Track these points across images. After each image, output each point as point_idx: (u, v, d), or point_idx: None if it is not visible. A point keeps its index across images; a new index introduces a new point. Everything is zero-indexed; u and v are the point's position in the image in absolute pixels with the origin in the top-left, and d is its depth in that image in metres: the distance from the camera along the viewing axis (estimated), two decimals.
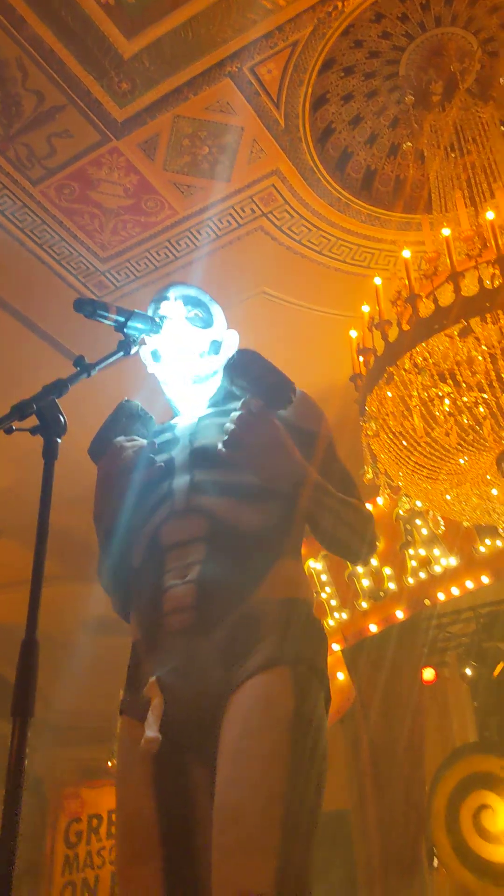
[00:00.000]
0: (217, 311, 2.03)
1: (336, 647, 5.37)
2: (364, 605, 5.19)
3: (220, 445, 1.63)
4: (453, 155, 3.80)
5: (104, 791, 6.65)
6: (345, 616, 5.26)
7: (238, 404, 1.71)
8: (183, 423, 1.89)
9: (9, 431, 1.19)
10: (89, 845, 6.52)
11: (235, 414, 1.63)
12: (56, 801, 6.86)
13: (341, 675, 5.67)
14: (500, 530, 3.49)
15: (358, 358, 3.14)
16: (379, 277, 3.13)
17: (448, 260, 2.90)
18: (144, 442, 1.77)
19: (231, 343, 2.01)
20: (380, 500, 4.87)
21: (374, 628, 5.28)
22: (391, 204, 4.40)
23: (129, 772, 1.52)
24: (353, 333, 3.27)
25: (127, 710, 1.61)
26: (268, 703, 1.39)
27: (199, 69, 3.63)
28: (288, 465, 1.62)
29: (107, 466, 1.75)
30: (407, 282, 2.99)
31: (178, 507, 1.66)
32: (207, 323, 1.96)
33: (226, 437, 1.62)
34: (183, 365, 1.90)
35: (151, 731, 1.42)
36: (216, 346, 1.94)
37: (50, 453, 1.26)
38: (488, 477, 3.17)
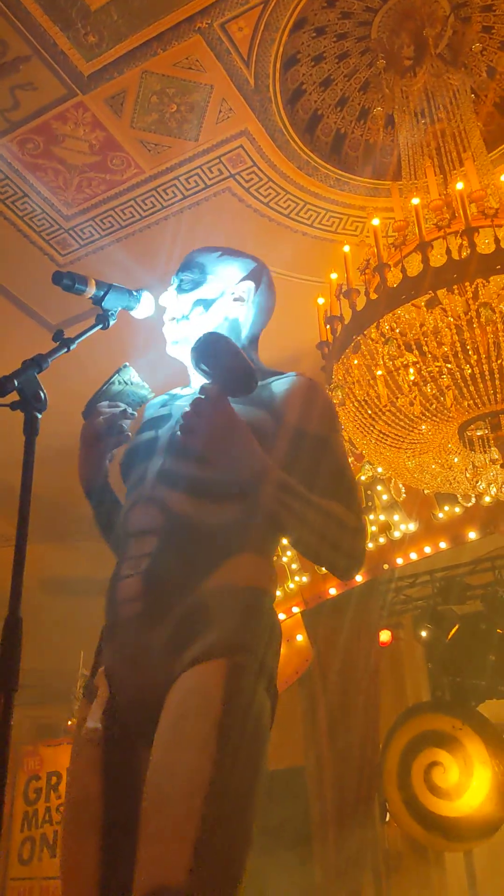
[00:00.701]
0: (219, 267, 1.95)
1: (296, 609, 5.45)
2: (324, 569, 5.25)
3: (177, 431, 1.61)
4: (423, 121, 3.78)
5: (63, 749, 6.70)
6: (305, 579, 5.32)
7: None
8: (182, 400, 1.86)
9: None
10: (48, 802, 6.59)
11: (193, 399, 1.60)
12: (15, 759, 6.91)
13: (300, 637, 5.76)
14: (460, 498, 3.55)
15: (325, 325, 3.14)
16: (347, 245, 3.11)
17: (417, 229, 2.90)
18: (121, 408, 1.76)
19: (249, 292, 1.93)
20: None
21: (333, 592, 5.36)
22: (360, 169, 4.38)
23: (80, 751, 1.56)
24: (321, 301, 3.26)
25: (86, 693, 1.65)
26: (198, 694, 1.40)
27: (169, 24, 3.55)
28: (243, 457, 1.55)
29: (82, 431, 1.77)
30: (376, 250, 2.99)
31: (144, 494, 1.66)
32: (196, 285, 1.91)
33: (180, 425, 1.58)
34: (170, 329, 1.90)
35: (92, 721, 1.49)
36: (203, 303, 1.89)
37: (31, 429, 1.26)
38: (450, 446, 3.21)
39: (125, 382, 1.80)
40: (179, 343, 1.89)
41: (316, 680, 5.88)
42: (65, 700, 6.55)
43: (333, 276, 3.19)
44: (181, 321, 1.89)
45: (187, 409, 1.58)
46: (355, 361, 3.04)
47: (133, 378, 1.82)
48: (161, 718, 1.42)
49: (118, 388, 1.79)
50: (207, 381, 1.60)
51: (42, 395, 1.32)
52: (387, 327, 2.88)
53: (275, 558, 1.74)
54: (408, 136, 3.78)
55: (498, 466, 2.97)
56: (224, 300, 1.91)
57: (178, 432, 1.58)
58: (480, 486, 3.11)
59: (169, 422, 1.78)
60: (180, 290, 1.92)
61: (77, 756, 1.55)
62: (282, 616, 5.32)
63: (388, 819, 6.65)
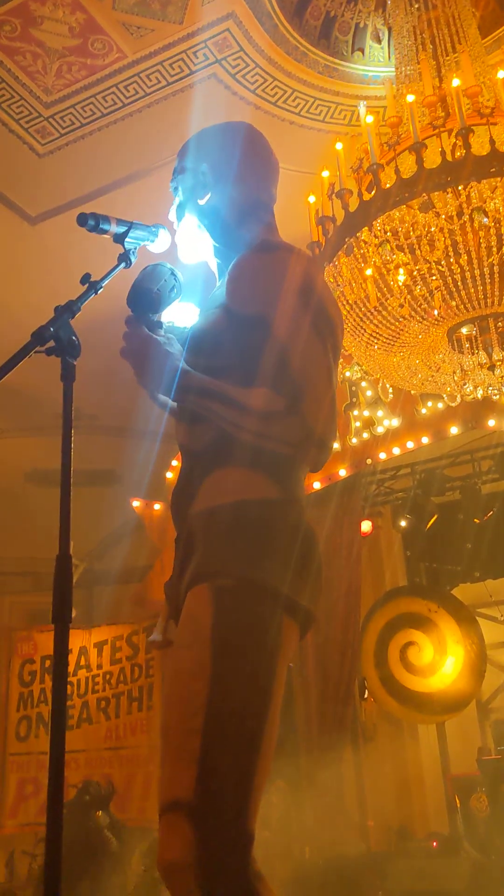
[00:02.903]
0: (195, 159, 1.86)
1: None
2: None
3: None
4: (417, 6, 3.64)
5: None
6: None
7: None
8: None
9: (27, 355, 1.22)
10: (43, 684, 6.90)
11: None
12: (9, 644, 7.19)
13: None
14: (446, 398, 3.62)
15: (316, 226, 3.11)
16: (340, 143, 3.06)
17: (411, 127, 2.84)
18: (174, 346, 1.67)
19: (205, 175, 1.84)
20: None
21: (317, 485, 5.49)
22: (350, 56, 4.23)
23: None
24: (312, 199, 3.22)
25: None
26: (190, 622, 1.46)
27: None
28: (160, 372, 1.56)
29: (137, 359, 1.61)
30: (369, 148, 2.94)
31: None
32: (175, 190, 1.88)
33: None
34: (196, 248, 1.86)
35: (155, 633, 1.64)
36: (180, 211, 1.86)
37: (68, 376, 1.28)
38: (443, 345, 3.24)
39: (176, 278, 1.69)
40: (198, 251, 1.88)
41: None
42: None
43: (325, 174, 3.14)
44: (201, 228, 1.85)
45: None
46: (345, 259, 3.03)
47: (176, 281, 1.70)
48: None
49: (171, 282, 1.67)
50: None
51: (76, 341, 1.34)
52: (379, 229, 2.86)
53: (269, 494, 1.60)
54: (401, 20, 3.65)
55: (486, 370, 3.02)
56: (196, 192, 1.84)
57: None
58: (468, 389, 3.17)
59: None
60: (175, 193, 1.89)
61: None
62: None
63: (366, 696, 7.03)
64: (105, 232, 1.62)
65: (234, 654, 1.40)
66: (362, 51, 4.19)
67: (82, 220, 1.59)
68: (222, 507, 1.53)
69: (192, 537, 1.54)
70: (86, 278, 1.48)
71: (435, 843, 6.23)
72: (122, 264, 1.64)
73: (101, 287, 1.48)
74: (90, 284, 1.48)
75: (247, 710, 1.39)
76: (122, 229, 1.65)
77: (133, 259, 1.66)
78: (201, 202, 1.83)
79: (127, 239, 1.66)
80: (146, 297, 1.61)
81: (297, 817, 5.42)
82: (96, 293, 1.47)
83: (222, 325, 1.64)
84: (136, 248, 1.68)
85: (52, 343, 1.32)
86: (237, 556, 1.48)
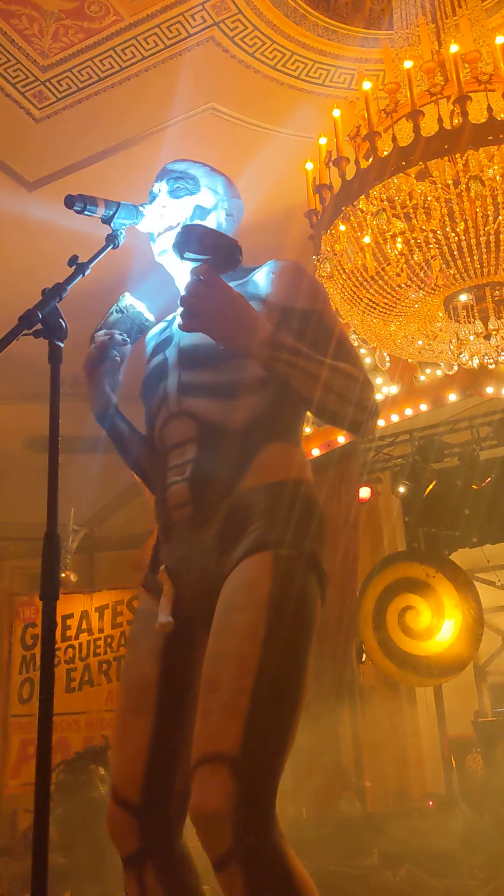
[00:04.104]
0: (212, 180, 1.96)
1: None
2: (307, 430, 5.38)
3: (178, 319, 1.65)
4: None
5: (59, 600, 7.03)
6: (307, 430, 5.43)
7: (233, 285, 1.70)
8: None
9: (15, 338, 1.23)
10: None
11: (186, 284, 1.62)
12: (10, 608, 7.28)
13: None
14: (443, 366, 3.63)
15: (314, 194, 3.10)
16: (337, 109, 3.03)
17: (408, 93, 2.82)
18: (112, 334, 1.81)
19: (237, 210, 1.96)
20: None
21: (316, 452, 5.52)
22: (350, 18, 4.17)
23: (141, 639, 1.72)
24: (309, 166, 3.20)
25: (147, 585, 1.79)
26: (247, 585, 1.52)
27: None
28: (247, 326, 1.59)
29: (84, 359, 1.82)
30: (366, 114, 2.92)
31: (172, 410, 1.74)
32: (191, 192, 1.92)
33: (180, 312, 1.61)
34: (164, 240, 1.88)
35: (164, 615, 1.62)
36: (201, 212, 1.90)
37: (55, 358, 1.30)
38: (440, 314, 3.25)
39: (122, 311, 1.82)
40: (164, 254, 1.89)
41: None
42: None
43: (322, 140, 3.12)
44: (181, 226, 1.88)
45: (183, 294, 1.61)
46: (342, 227, 3.02)
47: (130, 306, 1.83)
48: (216, 610, 1.55)
49: (116, 316, 1.82)
50: (191, 269, 1.63)
51: (63, 324, 1.35)
52: (376, 197, 2.85)
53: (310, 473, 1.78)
54: None
55: (482, 339, 3.03)
56: (218, 212, 1.93)
57: (181, 319, 1.61)
58: (464, 358, 3.18)
59: (172, 342, 1.84)
60: (175, 195, 1.91)
61: (138, 643, 1.71)
62: None
63: (364, 659, 7.12)
64: (93, 213, 1.62)
65: (286, 621, 1.49)
66: (363, 13, 4.13)
67: (70, 202, 1.59)
68: (282, 483, 1.63)
69: (247, 510, 1.60)
70: (73, 260, 1.48)
71: (431, 803, 6.36)
72: (110, 245, 1.64)
73: (89, 269, 1.49)
74: (77, 266, 1.49)
75: (291, 674, 1.49)
76: (109, 211, 1.65)
77: (121, 240, 1.67)
78: (220, 226, 1.93)
79: (114, 220, 1.66)
80: (232, 248, 1.63)
81: (294, 778, 5.53)
82: (84, 275, 1.47)
83: (270, 319, 1.71)
84: (124, 229, 1.69)
85: (39, 326, 1.33)
86: (296, 529, 1.58)
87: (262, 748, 1.42)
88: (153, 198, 1.89)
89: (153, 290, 1.90)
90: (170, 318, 1.97)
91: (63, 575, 6.87)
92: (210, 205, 1.93)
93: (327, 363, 1.63)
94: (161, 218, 1.89)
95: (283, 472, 1.66)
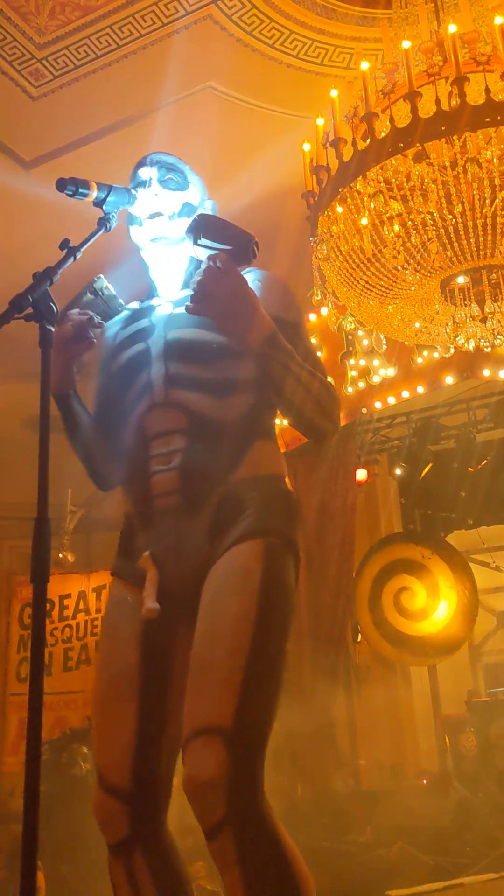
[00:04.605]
0: (195, 179, 2.02)
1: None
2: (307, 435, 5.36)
3: (188, 303, 1.67)
4: None
5: (54, 579, 6.92)
6: (285, 423, 5.44)
7: None
8: (160, 309, 1.91)
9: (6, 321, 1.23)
10: None
11: (200, 269, 1.65)
12: (8, 588, 7.30)
13: None
14: (440, 349, 3.63)
15: (311, 175, 3.09)
16: (335, 89, 3.02)
17: (406, 73, 2.81)
18: (89, 316, 1.80)
19: (214, 212, 2.00)
20: (324, 311, 4.93)
21: None
22: None
23: (119, 627, 1.75)
24: (307, 147, 3.19)
25: (120, 573, 1.82)
26: (241, 570, 1.61)
27: None
28: (254, 320, 1.65)
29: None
30: (364, 95, 2.91)
31: (158, 400, 1.76)
32: (181, 186, 1.95)
33: (192, 294, 1.65)
34: (154, 226, 1.89)
35: (151, 601, 1.65)
36: (189, 209, 1.93)
37: (46, 342, 1.30)
38: (437, 297, 3.25)
39: (97, 293, 1.83)
40: (160, 241, 1.91)
41: None
42: (54, 533, 6.84)
43: (320, 121, 3.11)
44: (175, 218, 1.91)
45: (199, 277, 1.64)
46: (339, 209, 3.02)
47: (105, 289, 1.84)
48: (204, 592, 1.62)
49: (89, 298, 1.82)
50: (209, 255, 1.66)
51: (54, 308, 1.36)
52: (373, 179, 2.85)
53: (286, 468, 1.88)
54: None
55: (478, 322, 3.03)
56: (197, 211, 1.95)
57: (191, 301, 1.65)
58: (460, 341, 3.19)
59: (154, 332, 1.84)
60: (166, 186, 1.93)
61: (116, 632, 1.75)
62: None
63: (359, 639, 7.17)
64: (85, 197, 1.62)
65: (274, 604, 1.60)
66: None
67: (61, 185, 1.59)
68: (269, 476, 1.74)
69: (239, 500, 1.68)
70: (64, 244, 1.48)
71: (425, 781, 6.44)
72: (102, 229, 1.65)
73: (80, 253, 1.49)
74: (69, 250, 1.49)
75: (277, 653, 1.60)
76: (101, 194, 1.65)
77: (113, 223, 1.67)
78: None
79: (106, 203, 1.66)
80: (250, 243, 1.67)
81: (289, 756, 5.58)
82: (75, 259, 1.47)
83: None
84: (115, 212, 1.70)
85: (30, 310, 1.34)
86: (282, 519, 1.70)
87: (252, 721, 1.51)
88: (140, 182, 1.90)
89: (126, 276, 1.90)
90: (135, 306, 1.98)
91: (60, 555, 6.89)
92: (196, 202, 1.97)
93: (316, 373, 1.74)
94: (153, 205, 1.90)
95: (269, 466, 1.75)
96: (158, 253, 1.93)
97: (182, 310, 1.80)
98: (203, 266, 1.65)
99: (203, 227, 1.66)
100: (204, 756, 1.47)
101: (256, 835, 1.46)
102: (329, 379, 1.82)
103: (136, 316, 1.93)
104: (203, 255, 1.69)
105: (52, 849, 4.20)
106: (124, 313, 1.96)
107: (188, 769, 1.48)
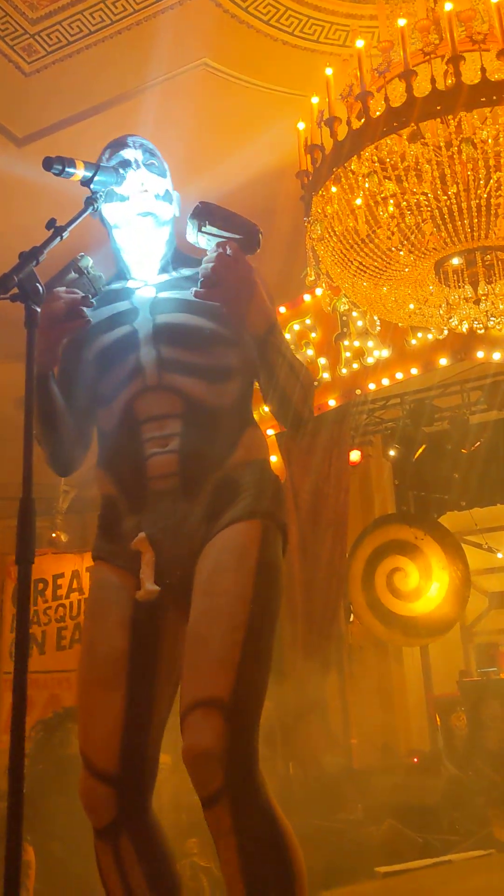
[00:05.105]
0: (167, 168, 2.02)
1: (270, 432, 5.62)
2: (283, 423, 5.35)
3: (198, 287, 1.70)
4: None
5: (47, 559, 7.08)
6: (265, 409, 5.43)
7: (188, 271, 1.86)
8: (140, 292, 1.90)
9: None
10: (36, 606, 7.05)
11: (211, 255, 1.69)
12: (2, 567, 7.32)
13: (274, 458, 5.99)
14: (433, 330, 3.63)
15: (305, 154, 3.07)
16: (330, 67, 2.99)
17: (402, 51, 2.78)
18: (82, 295, 1.77)
19: (175, 203, 2.00)
20: (318, 291, 4.91)
21: None
22: None
23: (107, 611, 1.75)
24: (301, 125, 3.16)
25: (105, 556, 1.82)
26: (238, 549, 1.65)
27: None
28: (261, 307, 1.72)
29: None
30: (359, 73, 2.88)
31: (150, 383, 1.76)
32: (162, 173, 1.96)
33: (202, 279, 1.68)
34: (144, 200, 1.88)
35: (150, 582, 1.66)
36: (169, 196, 1.95)
37: (31, 322, 1.29)
38: (431, 279, 3.24)
39: (82, 271, 1.80)
40: (149, 216, 1.90)
41: (288, 498, 6.16)
42: (47, 513, 6.86)
43: (315, 100, 3.08)
44: (160, 199, 1.92)
45: (209, 263, 1.68)
46: (333, 189, 3.00)
47: (91, 268, 1.82)
48: (200, 569, 1.66)
49: (74, 276, 1.80)
50: (214, 242, 1.71)
51: (40, 288, 1.35)
52: (367, 159, 2.83)
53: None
54: None
55: (471, 304, 3.02)
56: (175, 201, 1.98)
57: (201, 286, 1.69)
58: (453, 323, 3.18)
59: (139, 315, 1.83)
60: (150, 170, 1.94)
61: (104, 616, 1.74)
62: None
63: (351, 619, 7.21)
64: (71, 176, 1.61)
65: (268, 583, 1.65)
66: None
67: (48, 164, 1.57)
68: (260, 461, 1.81)
69: (236, 483, 1.73)
70: (51, 223, 1.47)
71: (416, 760, 6.50)
72: (90, 208, 1.63)
73: (67, 232, 1.47)
74: (55, 230, 1.47)
75: (270, 629, 1.66)
76: (88, 173, 1.64)
77: (100, 203, 1.66)
78: (175, 203, 1.99)
79: (94, 182, 1.65)
80: (257, 233, 1.74)
81: (282, 735, 5.63)
82: (62, 239, 1.46)
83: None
84: (103, 192, 1.68)
85: (15, 290, 1.33)
86: (274, 503, 1.77)
87: (248, 695, 1.56)
88: (125, 162, 1.88)
89: (100, 261, 1.89)
90: (128, 286, 1.95)
91: (54, 535, 6.90)
92: (172, 190, 1.98)
93: (303, 362, 1.83)
94: (141, 185, 1.89)
95: (260, 452, 1.83)
96: (143, 229, 1.91)
97: (169, 294, 1.82)
98: (213, 253, 1.68)
99: (209, 214, 1.70)
100: (203, 727, 1.51)
101: (251, 804, 1.52)
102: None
103: (110, 298, 1.90)
104: (205, 241, 1.73)
105: (45, 828, 4.24)
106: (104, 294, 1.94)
107: (188, 739, 1.52)
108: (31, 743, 5.00)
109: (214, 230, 1.70)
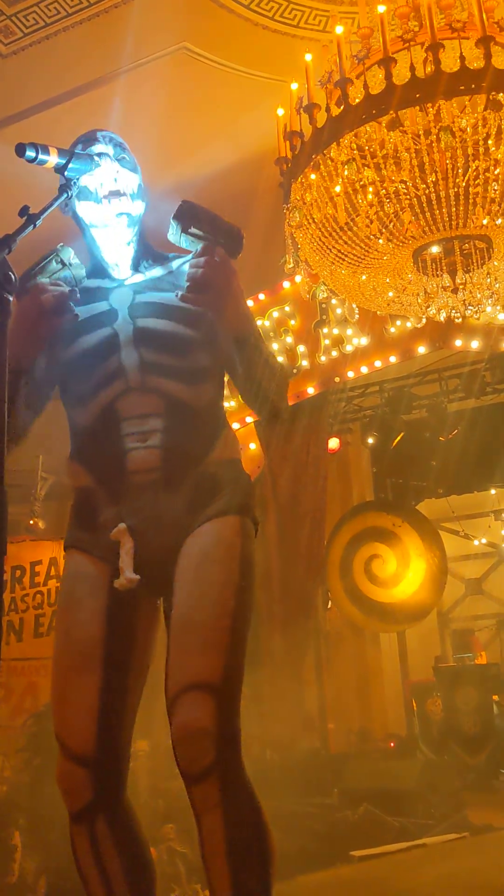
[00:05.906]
0: (137, 164, 2.00)
1: (249, 419, 5.62)
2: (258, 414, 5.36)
3: (183, 292, 1.74)
4: None
5: (25, 546, 7.05)
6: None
7: (160, 270, 1.90)
8: (118, 292, 1.89)
9: None
10: (13, 593, 7.02)
11: (199, 260, 1.72)
12: None
13: (253, 446, 6.00)
14: (411, 318, 3.63)
15: (284, 141, 3.05)
16: (309, 53, 2.98)
17: (381, 38, 2.77)
18: (67, 289, 1.76)
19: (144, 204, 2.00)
20: (298, 279, 4.91)
21: None
22: None
23: (82, 600, 1.77)
24: (280, 112, 3.15)
25: (80, 545, 1.83)
26: (225, 542, 1.75)
27: None
28: (246, 311, 1.81)
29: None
30: (338, 60, 2.87)
31: (133, 385, 1.79)
32: (134, 169, 1.95)
33: (189, 283, 1.72)
34: (120, 203, 1.87)
35: (130, 571, 1.70)
36: (143, 193, 1.94)
37: (3, 311, 1.27)
38: (409, 267, 3.24)
39: (64, 263, 1.78)
40: (123, 216, 1.89)
41: (266, 485, 6.17)
42: (25, 501, 6.83)
43: (294, 86, 3.07)
44: (135, 200, 1.91)
45: (197, 269, 1.72)
46: (313, 176, 2.99)
47: (73, 259, 1.80)
48: (182, 562, 1.73)
49: (56, 267, 1.77)
50: (199, 244, 1.73)
51: (12, 276, 1.33)
52: (346, 146, 2.82)
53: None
54: None
55: (449, 292, 3.03)
56: (145, 198, 1.98)
57: (188, 291, 1.72)
58: (431, 311, 3.19)
59: (118, 317, 1.83)
60: (122, 164, 1.92)
61: (79, 605, 1.77)
62: (236, 426, 5.49)
63: (329, 605, 7.25)
64: (44, 163, 1.58)
65: (248, 572, 1.76)
66: None
67: (20, 150, 1.54)
68: (235, 460, 1.90)
69: (216, 479, 1.81)
70: (23, 211, 1.45)
71: (392, 744, 6.56)
72: (64, 195, 1.61)
73: (40, 220, 1.45)
74: (28, 217, 1.45)
75: (249, 616, 1.75)
76: (62, 160, 1.62)
77: (75, 190, 1.64)
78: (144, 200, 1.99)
79: (69, 169, 1.63)
80: (240, 237, 1.77)
81: (258, 720, 5.65)
82: (35, 227, 1.44)
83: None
84: (77, 179, 1.66)
85: None
86: (250, 499, 1.87)
87: (233, 676, 1.65)
88: (102, 156, 1.85)
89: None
90: (104, 285, 1.93)
91: (31, 522, 6.87)
92: (142, 188, 1.96)
93: (277, 358, 1.95)
94: (115, 182, 1.88)
95: (234, 451, 1.92)
96: (121, 230, 1.90)
97: (146, 297, 1.84)
98: (201, 258, 1.71)
99: (194, 217, 1.70)
100: (197, 707, 1.60)
101: (236, 781, 1.61)
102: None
103: (86, 297, 1.88)
104: (189, 242, 1.74)
105: (40, 818, 4.25)
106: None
107: (181, 719, 1.60)
108: (24, 737, 5.01)
109: (199, 233, 1.71)
